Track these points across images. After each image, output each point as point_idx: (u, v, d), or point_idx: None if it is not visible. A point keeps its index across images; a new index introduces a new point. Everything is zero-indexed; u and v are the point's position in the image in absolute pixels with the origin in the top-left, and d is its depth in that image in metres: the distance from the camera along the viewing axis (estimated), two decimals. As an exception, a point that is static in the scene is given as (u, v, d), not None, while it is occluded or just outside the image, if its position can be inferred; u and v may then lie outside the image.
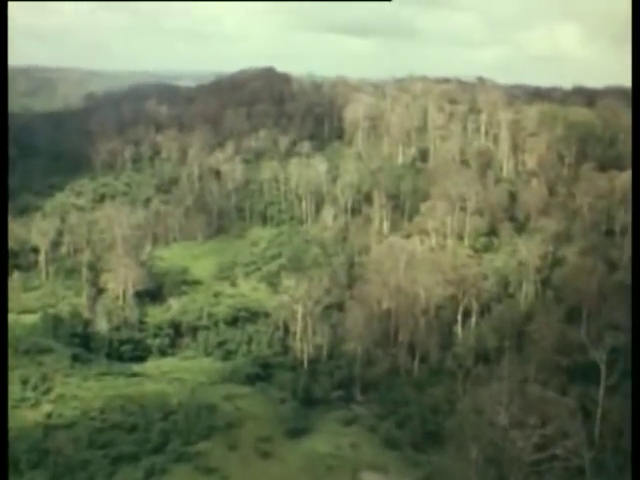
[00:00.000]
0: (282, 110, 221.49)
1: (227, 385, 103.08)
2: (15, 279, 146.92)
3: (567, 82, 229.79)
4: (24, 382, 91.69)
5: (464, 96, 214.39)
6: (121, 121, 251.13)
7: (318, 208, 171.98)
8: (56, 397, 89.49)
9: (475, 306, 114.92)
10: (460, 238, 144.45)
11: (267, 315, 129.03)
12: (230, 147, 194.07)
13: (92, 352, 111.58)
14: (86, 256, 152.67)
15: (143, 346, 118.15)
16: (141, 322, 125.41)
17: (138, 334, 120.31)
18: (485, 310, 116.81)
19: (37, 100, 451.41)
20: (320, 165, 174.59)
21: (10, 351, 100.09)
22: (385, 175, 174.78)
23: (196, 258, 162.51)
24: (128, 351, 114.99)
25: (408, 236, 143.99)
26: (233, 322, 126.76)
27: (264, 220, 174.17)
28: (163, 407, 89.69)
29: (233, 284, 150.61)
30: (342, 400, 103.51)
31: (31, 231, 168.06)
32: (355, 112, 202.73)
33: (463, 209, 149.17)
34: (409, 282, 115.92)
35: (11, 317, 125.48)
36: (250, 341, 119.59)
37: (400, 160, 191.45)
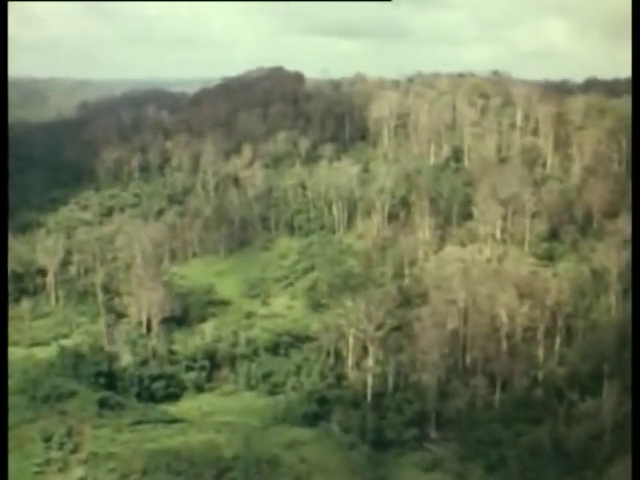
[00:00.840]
0: (299, 111, 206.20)
1: (283, 428, 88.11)
2: (21, 306, 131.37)
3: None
4: (47, 439, 76.11)
5: (495, 90, 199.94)
6: (122, 129, 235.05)
7: (350, 215, 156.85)
8: (88, 456, 74.01)
9: (558, 324, 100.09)
10: (519, 244, 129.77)
11: (311, 339, 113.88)
12: (247, 152, 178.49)
13: (120, 393, 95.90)
14: (99, 277, 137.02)
15: (176, 382, 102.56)
16: (170, 352, 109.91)
17: (169, 368, 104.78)
18: (568, 328, 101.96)
19: (29, 111, 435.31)
20: (349, 168, 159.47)
21: (26, 398, 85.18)
22: (421, 177, 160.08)
23: (220, 275, 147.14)
24: (160, 389, 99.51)
25: (460, 244, 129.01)
26: (274, 349, 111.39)
27: (291, 230, 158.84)
28: (216, 462, 74.46)
29: (265, 303, 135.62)
30: (416, 440, 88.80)
31: (35, 250, 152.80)
32: (380, 110, 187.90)
33: (517, 212, 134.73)
34: (480, 299, 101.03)
35: (22, 352, 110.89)
36: (298, 371, 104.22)
37: (432, 160, 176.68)
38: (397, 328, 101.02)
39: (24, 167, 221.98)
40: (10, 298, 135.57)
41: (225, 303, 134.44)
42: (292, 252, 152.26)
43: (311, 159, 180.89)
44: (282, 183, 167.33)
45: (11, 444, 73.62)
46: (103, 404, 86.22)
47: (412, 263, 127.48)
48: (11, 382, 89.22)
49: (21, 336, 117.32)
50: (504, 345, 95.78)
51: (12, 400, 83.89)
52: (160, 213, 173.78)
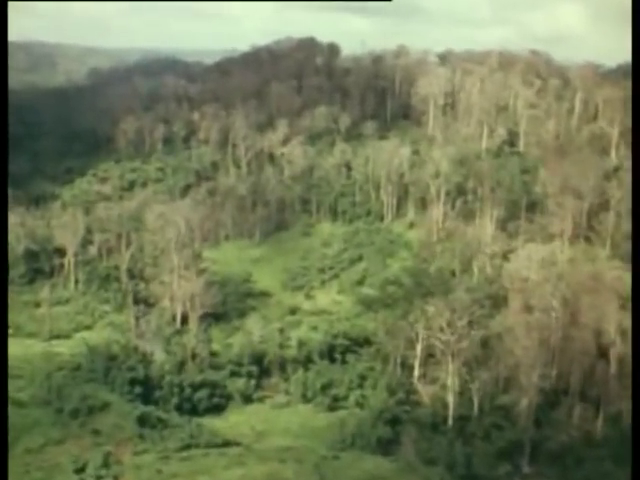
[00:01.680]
0: (335, 84, 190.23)
1: (355, 455, 73.86)
2: (37, 290, 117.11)
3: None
4: (80, 469, 61.89)
5: (548, 70, 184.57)
6: (142, 97, 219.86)
7: (399, 201, 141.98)
8: (131, 495, 59.86)
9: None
10: (601, 244, 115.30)
11: (369, 343, 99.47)
12: (283, 127, 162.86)
13: (159, 405, 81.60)
14: (125, 260, 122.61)
15: (220, 390, 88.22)
16: (211, 354, 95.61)
17: (212, 373, 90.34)
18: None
19: (38, 76, 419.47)
20: (400, 149, 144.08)
21: (51, 411, 70.91)
22: (478, 162, 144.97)
23: (256, 262, 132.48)
24: (203, 399, 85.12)
25: (534, 240, 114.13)
26: (329, 353, 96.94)
27: (334, 214, 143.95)
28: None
29: (309, 296, 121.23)
30: (509, 476, 74.93)
31: (51, 226, 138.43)
32: (427, 87, 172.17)
33: (596, 205, 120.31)
34: (579, 308, 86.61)
35: (40, 346, 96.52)
36: (362, 383, 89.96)
37: (484, 144, 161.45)
38: (482, 339, 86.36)
39: (35, 134, 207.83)
40: (24, 280, 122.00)
41: (265, 295, 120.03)
42: (336, 239, 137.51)
43: (352, 137, 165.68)
44: (324, 162, 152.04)
45: (36, 475, 59.75)
46: (143, 421, 72.02)
47: (481, 260, 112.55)
48: (33, 390, 75.31)
49: (38, 326, 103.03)
50: (613, 367, 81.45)
51: (35, 413, 70.02)
52: (187, 190, 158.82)
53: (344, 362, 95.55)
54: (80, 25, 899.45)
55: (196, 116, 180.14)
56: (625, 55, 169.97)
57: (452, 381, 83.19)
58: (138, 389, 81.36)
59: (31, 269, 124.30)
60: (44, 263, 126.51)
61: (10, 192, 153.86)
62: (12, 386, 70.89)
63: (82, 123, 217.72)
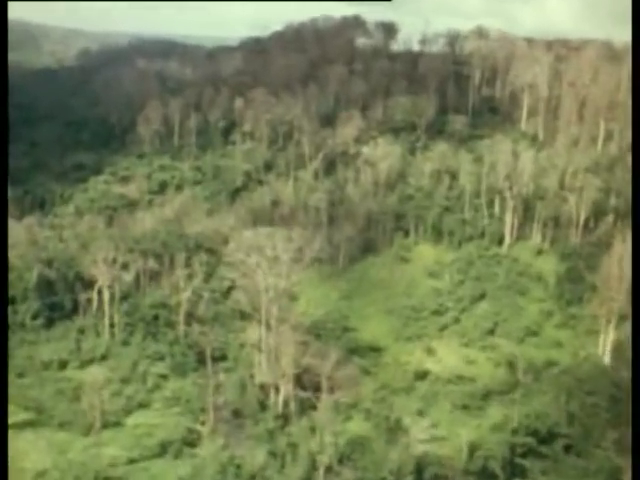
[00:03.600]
0: (404, 70, 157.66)
1: None
2: (60, 337, 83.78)
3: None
4: None
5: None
6: (159, 81, 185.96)
7: (523, 219, 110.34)
8: None
9: None
10: None
11: (562, 436, 67.74)
12: (355, 119, 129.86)
13: None
14: (182, 296, 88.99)
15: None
16: (343, 458, 62.96)
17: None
18: None
19: (22, 56, 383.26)
20: (524, 153, 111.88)
21: None
22: (615, 173, 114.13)
23: (347, 298, 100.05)
24: None
25: None
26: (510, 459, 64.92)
27: (437, 234, 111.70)
28: None
29: (430, 351, 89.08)
30: None
31: (65, 239, 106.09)
32: (526, 76, 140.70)
33: None
34: None
35: (80, 445, 63.22)
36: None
37: (599, 148, 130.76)
38: None
39: (30, 119, 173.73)
40: (38, 322, 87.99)
41: (375, 350, 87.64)
42: (443, 268, 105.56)
43: (442, 134, 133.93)
44: (418, 166, 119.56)
45: None
46: None
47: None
48: None
49: (69, 407, 69.27)
50: None
51: None
52: (234, 196, 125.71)
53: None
54: (62, 7, 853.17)
55: (238, 103, 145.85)
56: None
57: None
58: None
59: (47, 305, 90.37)
60: (64, 296, 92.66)
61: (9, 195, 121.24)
62: None
63: (86, 108, 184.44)
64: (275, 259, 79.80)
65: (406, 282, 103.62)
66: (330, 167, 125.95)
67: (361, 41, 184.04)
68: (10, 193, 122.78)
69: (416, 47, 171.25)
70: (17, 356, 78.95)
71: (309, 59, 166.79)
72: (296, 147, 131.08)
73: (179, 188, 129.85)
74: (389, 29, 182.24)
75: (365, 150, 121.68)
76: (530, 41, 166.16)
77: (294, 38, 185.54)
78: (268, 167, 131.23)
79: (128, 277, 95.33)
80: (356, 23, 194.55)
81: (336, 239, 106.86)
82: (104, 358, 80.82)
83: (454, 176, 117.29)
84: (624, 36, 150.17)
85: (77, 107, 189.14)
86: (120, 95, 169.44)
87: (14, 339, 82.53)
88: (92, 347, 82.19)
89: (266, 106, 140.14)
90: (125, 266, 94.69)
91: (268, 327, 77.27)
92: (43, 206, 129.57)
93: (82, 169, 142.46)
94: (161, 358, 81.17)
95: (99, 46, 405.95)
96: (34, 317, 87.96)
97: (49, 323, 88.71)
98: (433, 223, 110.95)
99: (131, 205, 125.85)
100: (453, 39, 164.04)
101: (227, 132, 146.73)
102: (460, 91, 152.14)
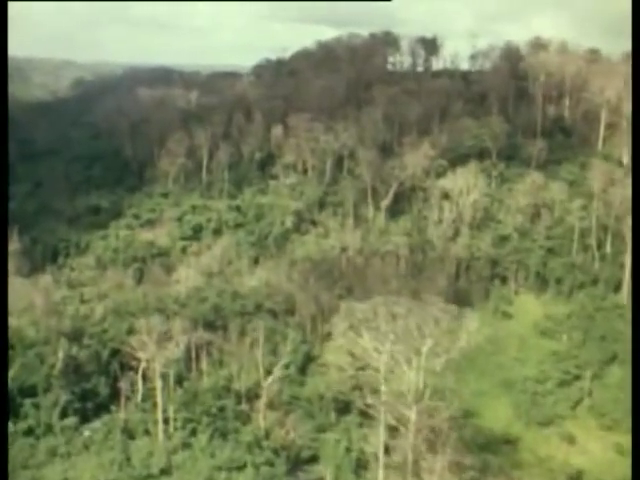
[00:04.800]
0: (458, 89, 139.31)
1: None
2: (99, 445, 63.33)
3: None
4: None
5: None
6: (174, 110, 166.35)
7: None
8: None
9: None
10: None
11: None
12: (424, 147, 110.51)
13: None
14: (263, 385, 68.85)
15: None
16: None
17: None
18: None
19: (11, 88, 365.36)
20: (625, 180, 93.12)
21: None
22: None
23: (454, 367, 79.99)
24: None
25: None
26: None
27: (541, 282, 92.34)
28: None
29: (571, 439, 69.33)
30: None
31: (84, 298, 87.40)
32: (606, 92, 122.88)
33: None
34: None
35: None
36: None
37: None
38: None
39: (29, 154, 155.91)
40: (69, 423, 67.29)
41: (507, 441, 67.92)
42: (556, 324, 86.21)
43: (518, 160, 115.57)
44: (510, 200, 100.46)
45: None
46: None
47: None
48: None
49: None
50: None
51: None
52: (284, 240, 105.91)
53: None
54: (47, 39, 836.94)
55: (276, 131, 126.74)
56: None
57: None
58: None
59: (77, 395, 69.99)
60: (98, 381, 72.42)
61: (14, 245, 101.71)
62: None
63: (89, 141, 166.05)
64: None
65: (515, 344, 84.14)
66: (398, 203, 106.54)
67: (397, 58, 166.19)
68: (16, 243, 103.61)
69: (464, 64, 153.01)
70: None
71: (346, 80, 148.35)
72: (353, 180, 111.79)
73: (217, 233, 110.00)
74: (431, 44, 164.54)
75: (442, 183, 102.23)
76: (594, 52, 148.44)
77: (323, 58, 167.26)
78: (321, 205, 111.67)
79: (176, 352, 75.10)
80: (385, 39, 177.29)
81: (422, 289, 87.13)
82: (165, 473, 60.31)
83: (551, 210, 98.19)
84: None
85: (78, 140, 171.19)
86: (130, 125, 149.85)
87: (40, 449, 62.27)
88: (146, 456, 61.72)
89: (310, 134, 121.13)
90: (168, 336, 74.51)
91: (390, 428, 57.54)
92: (56, 258, 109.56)
93: (98, 212, 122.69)
94: (240, 467, 60.84)
95: (93, 76, 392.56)
96: (63, 414, 67.65)
97: (82, 419, 68.42)
98: (536, 267, 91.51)
99: (162, 255, 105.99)
100: (511, 53, 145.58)
101: (263, 164, 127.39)
102: (523, 110, 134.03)
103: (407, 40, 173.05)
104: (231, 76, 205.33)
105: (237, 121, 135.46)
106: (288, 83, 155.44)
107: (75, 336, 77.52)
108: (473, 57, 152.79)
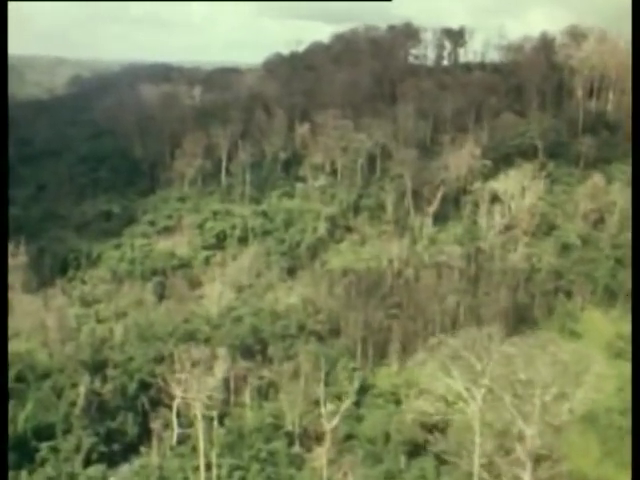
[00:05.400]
0: (494, 82, 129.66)
1: None
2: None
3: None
4: None
5: None
6: (178, 105, 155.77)
7: None
8: None
9: None
10: None
11: None
12: (468, 145, 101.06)
13: None
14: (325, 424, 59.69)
15: None
16: None
17: None
18: None
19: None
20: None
21: None
22: None
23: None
24: None
25: None
26: None
27: (609, 297, 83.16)
28: None
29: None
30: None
31: (100, 317, 78.25)
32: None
33: None
34: None
35: None
36: None
37: None
38: None
39: (28, 155, 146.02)
40: (94, 471, 57.74)
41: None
42: (626, 344, 76.86)
43: (563, 158, 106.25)
44: (570, 204, 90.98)
45: None
46: None
47: None
48: None
49: None
50: None
51: None
52: (315, 250, 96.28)
53: None
54: (40, 37, 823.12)
55: (302, 129, 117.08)
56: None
57: None
58: None
59: (102, 437, 60.32)
60: (125, 420, 62.80)
61: (21, 258, 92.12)
62: None
63: (91, 140, 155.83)
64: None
65: (582, 367, 74.59)
66: (442, 207, 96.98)
67: (420, 51, 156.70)
68: (23, 256, 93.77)
69: (494, 55, 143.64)
70: None
71: (369, 74, 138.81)
72: (390, 182, 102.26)
73: (243, 241, 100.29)
74: (459, 35, 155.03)
75: (492, 185, 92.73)
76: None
77: (341, 51, 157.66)
78: (355, 209, 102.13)
79: (212, 382, 65.37)
80: (407, 31, 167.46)
81: (485, 310, 77.81)
82: None
83: (613, 215, 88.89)
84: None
85: (79, 139, 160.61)
86: (134, 123, 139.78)
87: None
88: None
89: (339, 131, 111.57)
90: (208, 366, 64.78)
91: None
92: (65, 270, 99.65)
93: (108, 218, 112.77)
94: None
95: (90, 73, 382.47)
96: (87, 461, 58.09)
97: (110, 465, 58.92)
98: (606, 283, 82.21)
99: (183, 266, 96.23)
100: (546, 43, 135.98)
101: (288, 165, 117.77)
102: (563, 105, 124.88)
103: (430, 32, 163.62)
104: (234, 72, 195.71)
105: (257, 118, 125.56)
106: (306, 78, 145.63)
107: (95, 365, 68.08)
108: (504, 48, 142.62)
